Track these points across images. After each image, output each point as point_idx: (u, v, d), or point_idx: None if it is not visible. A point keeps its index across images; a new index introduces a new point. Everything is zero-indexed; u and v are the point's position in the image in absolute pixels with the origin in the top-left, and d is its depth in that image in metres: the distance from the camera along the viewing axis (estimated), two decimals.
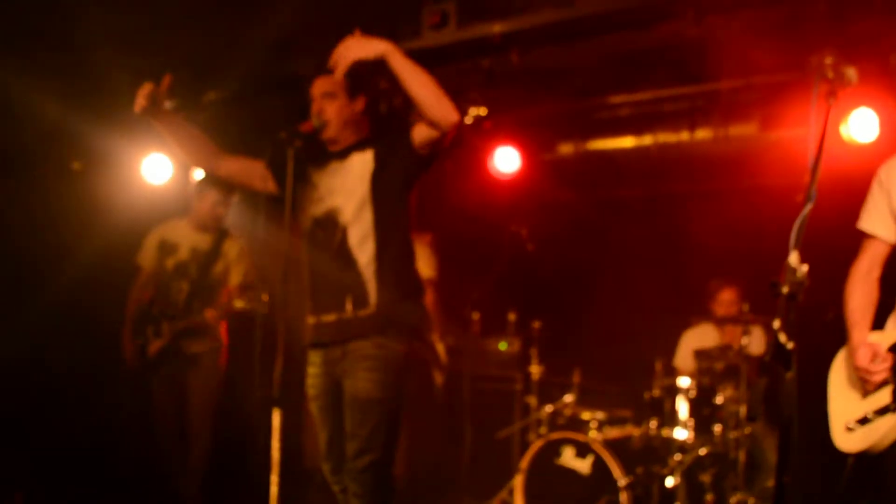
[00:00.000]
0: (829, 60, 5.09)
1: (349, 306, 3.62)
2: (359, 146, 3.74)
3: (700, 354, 5.62)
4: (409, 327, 3.67)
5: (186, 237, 5.56)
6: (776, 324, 2.81)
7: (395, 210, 3.69)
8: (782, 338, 2.80)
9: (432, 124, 3.49)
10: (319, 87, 3.79)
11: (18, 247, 6.42)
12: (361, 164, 3.69)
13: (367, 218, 3.64)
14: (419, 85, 3.44)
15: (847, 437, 3.43)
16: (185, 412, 5.45)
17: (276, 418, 3.48)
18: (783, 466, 2.88)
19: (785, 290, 2.81)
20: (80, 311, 6.47)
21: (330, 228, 3.69)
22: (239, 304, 5.10)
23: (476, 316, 6.66)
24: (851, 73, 3.23)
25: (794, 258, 2.84)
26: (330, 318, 3.67)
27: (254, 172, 3.89)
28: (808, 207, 2.89)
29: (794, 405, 2.84)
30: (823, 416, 3.52)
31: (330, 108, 3.75)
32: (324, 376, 3.73)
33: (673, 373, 5.55)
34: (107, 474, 6.15)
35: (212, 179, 5.37)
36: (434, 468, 6.13)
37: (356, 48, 3.42)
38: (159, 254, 5.58)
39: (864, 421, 3.38)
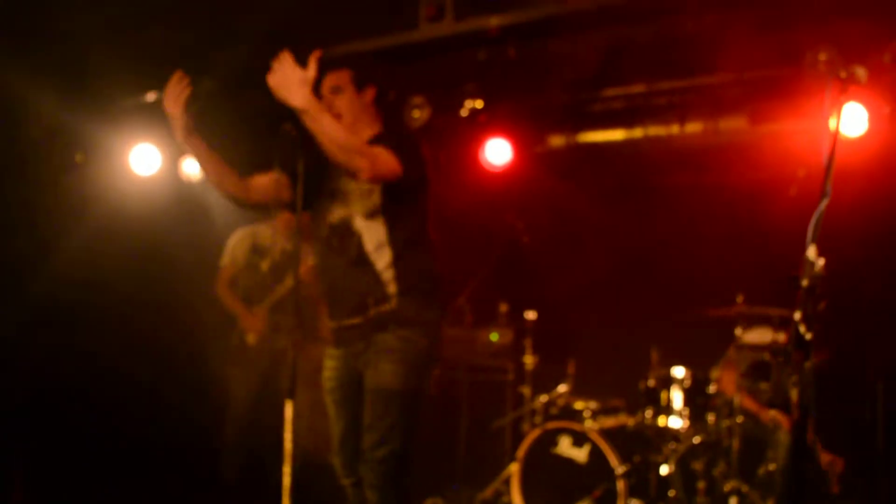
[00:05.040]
0: (825, 57, 5.25)
1: (370, 307, 3.63)
2: None
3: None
4: (430, 322, 3.68)
5: (275, 241, 5.91)
6: (797, 315, 2.90)
7: (410, 215, 3.71)
8: (802, 329, 2.89)
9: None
10: (327, 82, 3.79)
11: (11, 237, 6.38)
12: None
13: (382, 225, 3.65)
14: (330, 143, 3.35)
15: None
16: (259, 405, 5.73)
17: (289, 410, 3.51)
18: (800, 453, 2.98)
19: (805, 283, 2.90)
20: (68, 302, 6.43)
21: (346, 235, 3.69)
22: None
23: (467, 306, 6.69)
24: (861, 72, 3.29)
25: (811, 252, 2.93)
26: (352, 321, 3.67)
27: (279, 183, 3.80)
28: (825, 202, 2.97)
29: (811, 394, 2.94)
30: None
31: (339, 102, 3.75)
32: (343, 368, 3.76)
33: (668, 363, 5.61)
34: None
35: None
36: (429, 458, 6.16)
37: (280, 88, 3.30)
38: (253, 257, 5.90)
39: None
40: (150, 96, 6.57)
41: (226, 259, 5.95)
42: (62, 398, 6.24)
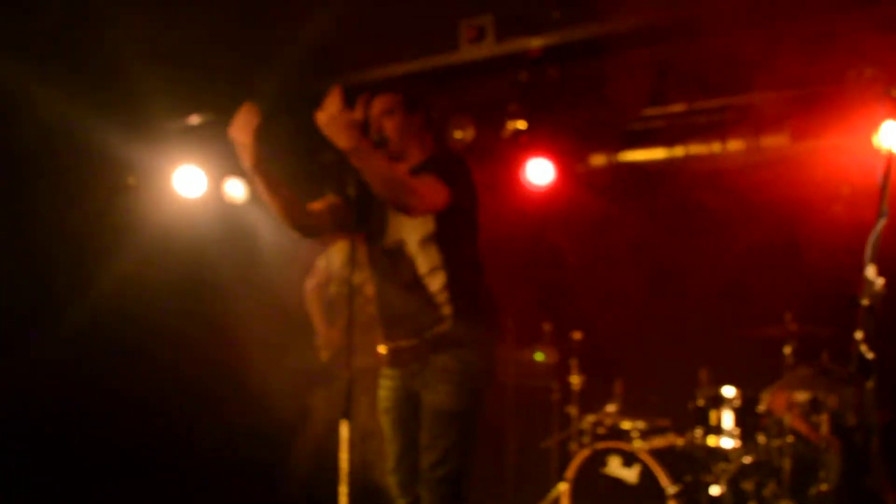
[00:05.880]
0: (869, 74, 5.24)
1: (425, 328, 3.65)
2: (416, 174, 3.65)
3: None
4: (486, 342, 3.69)
5: None
6: (858, 335, 2.89)
7: (463, 238, 3.72)
8: (864, 349, 2.89)
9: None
10: (378, 105, 3.78)
11: (56, 261, 6.45)
12: None
13: (435, 250, 3.65)
14: (378, 181, 3.33)
15: None
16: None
17: (345, 430, 3.53)
18: (860, 472, 2.97)
19: (865, 302, 2.90)
20: (116, 324, 6.49)
21: (399, 259, 3.70)
22: None
23: (511, 327, 6.69)
24: None
25: (871, 271, 2.93)
26: (408, 343, 3.69)
27: (335, 209, 3.81)
28: (882, 222, 2.96)
29: (873, 413, 2.94)
30: None
31: (390, 124, 3.75)
32: (399, 389, 3.77)
33: (717, 382, 5.58)
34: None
35: None
36: (477, 478, 6.16)
37: (327, 128, 3.28)
38: (345, 269, 5.84)
39: None
40: (194, 119, 6.64)
41: (321, 262, 5.91)
42: (112, 420, 6.29)
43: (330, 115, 3.25)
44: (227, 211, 7.00)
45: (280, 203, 3.63)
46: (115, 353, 6.44)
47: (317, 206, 3.81)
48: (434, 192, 3.47)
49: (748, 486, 5.30)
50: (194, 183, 6.83)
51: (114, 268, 6.51)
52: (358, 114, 3.34)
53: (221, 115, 6.45)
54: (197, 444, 6.49)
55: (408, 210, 3.40)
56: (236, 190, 6.90)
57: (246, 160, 3.54)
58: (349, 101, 3.59)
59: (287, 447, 6.08)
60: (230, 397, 6.53)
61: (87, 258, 6.54)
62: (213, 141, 6.64)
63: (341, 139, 3.24)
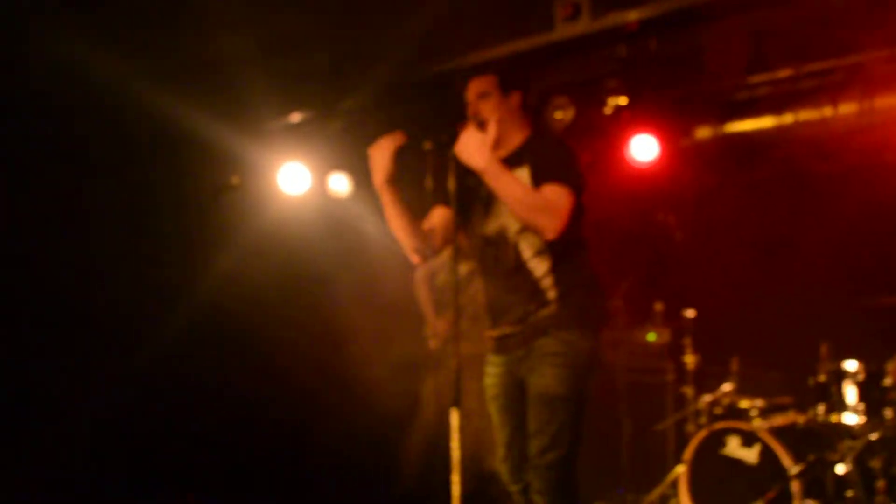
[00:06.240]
0: None
1: (531, 313, 3.62)
2: (516, 159, 3.67)
3: None
4: (591, 324, 3.65)
5: None
6: None
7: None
8: None
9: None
10: (473, 88, 3.76)
11: (164, 260, 6.56)
12: (523, 179, 3.62)
13: (538, 235, 3.59)
14: (513, 202, 3.46)
15: None
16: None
17: (455, 419, 3.49)
18: None
19: None
20: (216, 327, 6.57)
21: (502, 246, 3.69)
22: None
23: (622, 307, 6.58)
24: None
25: None
26: (513, 329, 3.68)
27: (447, 223, 3.78)
28: None
29: None
30: None
31: (485, 107, 3.72)
32: (505, 375, 3.75)
33: (838, 357, 5.37)
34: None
35: None
36: (592, 462, 6.08)
37: (462, 153, 3.42)
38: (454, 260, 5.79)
39: None
40: (295, 117, 6.69)
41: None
42: (219, 417, 6.39)
43: (464, 141, 3.41)
44: (331, 206, 7.03)
45: (403, 225, 3.70)
46: (223, 351, 6.52)
47: (429, 224, 3.82)
48: (566, 206, 3.48)
49: (876, 463, 5.07)
50: (298, 180, 6.87)
51: (220, 266, 6.60)
52: (490, 134, 3.45)
53: (323, 111, 6.51)
54: (307, 438, 6.56)
55: (543, 233, 3.47)
56: (340, 184, 6.92)
57: (378, 177, 3.62)
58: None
59: (398, 438, 6.09)
60: (339, 392, 6.57)
61: (194, 257, 6.64)
62: (316, 137, 6.69)
63: (475, 160, 3.40)
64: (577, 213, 3.66)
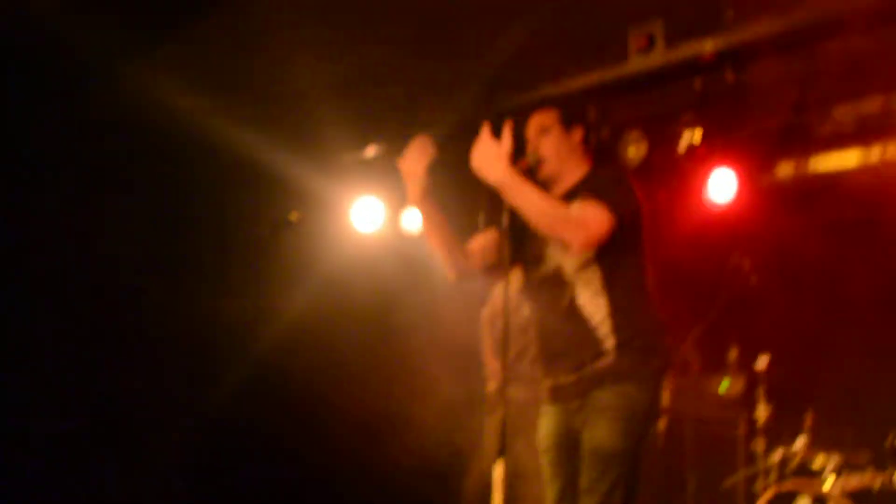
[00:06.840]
0: None
1: (586, 363, 3.42)
2: (571, 196, 3.50)
3: None
4: (651, 375, 3.44)
5: None
6: None
7: (626, 260, 3.46)
8: None
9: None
10: (534, 123, 3.63)
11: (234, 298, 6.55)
12: None
13: (595, 276, 3.42)
14: (536, 216, 3.27)
15: None
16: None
17: (499, 470, 3.30)
18: None
19: None
20: (290, 362, 6.52)
21: (557, 288, 3.50)
22: None
23: (694, 354, 6.29)
24: None
25: None
26: (568, 378, 3.49)
27: (495, 243, 3.63)
28: None
29: None
30: None
31: (546, 143, 3.58)
32: (559, 426, 3.57)
33: None
34: None
35: None
36: None
37: (478, 166, 3.24)
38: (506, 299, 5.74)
39: None
40: (370, 151, 6.62)
41: (498, 291, 5.76)
42: (287, 460, 6.34)
43: (480, 152, 3.24)
44: (405, 243, 6.91)
45: (442, 241, 3.55)
46: (291, 392, 6.47)
47: (473, 245, 3.66)
48: (597, 221, 3.29)
49: None
50: (372, 215, 6.76)
51: (294, 301, 6.55)
52: (506, 145, 3.25)
53: (396, 145, 6.41)
54: (374, 478, 6.53)
55: (569, 244, 3.29)
56: (414, 221, 6.80)
57: (413, 193, 3.47)
58: (514, 127, 3.41)
59: (458, 479, 5.93)
60: (403, 431, 6.48)
61: (263, 295, 6.62)
62: (390, 172, 6.62)
63: (490, 173, 3.22)
64: (636, 256, 3.48)
